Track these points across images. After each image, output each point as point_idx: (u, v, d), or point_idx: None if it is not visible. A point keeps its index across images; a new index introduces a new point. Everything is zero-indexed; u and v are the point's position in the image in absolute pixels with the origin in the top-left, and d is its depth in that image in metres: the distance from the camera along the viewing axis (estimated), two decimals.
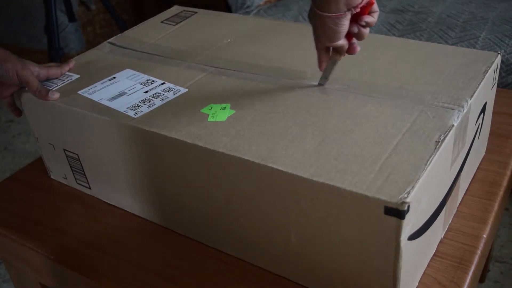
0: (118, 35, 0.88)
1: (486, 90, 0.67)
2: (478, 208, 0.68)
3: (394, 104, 0.61)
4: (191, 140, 0.59)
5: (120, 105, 0.67)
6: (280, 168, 0.53)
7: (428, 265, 0.61)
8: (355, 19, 0.60)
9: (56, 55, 1.60)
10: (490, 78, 0.67)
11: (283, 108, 0.63)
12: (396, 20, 1.42)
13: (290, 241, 0.57)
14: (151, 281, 0.63)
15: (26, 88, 0.73)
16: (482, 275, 1.17)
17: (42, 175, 0.83)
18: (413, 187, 0.48)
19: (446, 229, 0.65)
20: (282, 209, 0.55)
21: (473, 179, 0.73)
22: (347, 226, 0.51)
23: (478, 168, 0.75)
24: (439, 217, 0.59)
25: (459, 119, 0.58)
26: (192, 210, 0.65)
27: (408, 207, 0.47)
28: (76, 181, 0.78)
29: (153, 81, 0.72)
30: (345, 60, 0.72)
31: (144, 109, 0.66)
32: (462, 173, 0.65)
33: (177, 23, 0.90)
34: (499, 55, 0.69)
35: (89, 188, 0.77)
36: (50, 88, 0.72)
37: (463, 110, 0.59)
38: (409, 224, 0.49)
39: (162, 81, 0.72)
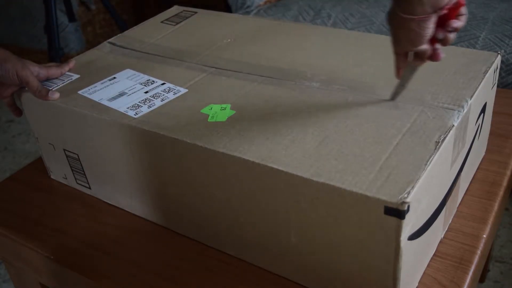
0: (118, 35, 0.88)
1: (486, 90, 0.67)
2: (478, 208, 0.68)
3: (394, 104, 0.61)
4: (191, 140, 0.59)
5: (120, 105, 0.67)
6: (280, 168, 0.53)
7: (428, 265, 0.61)
8: (441, 22, 0.54)
9: (56, 55, 1.60)
10: (490, 78, 0.67)
11: (283, 108, 0.63)
12: None
13: (290, 241, 0.57)
14: (151, 281, 0.63)
15: (26, 88, 0.73)
16: (482, 275, 1.17)
17: (42, 175, 0.83)
18: (413, 187, 0.48)
19: (446, 229, 0.65)
20: (282, 209, 0.55)
21: (473, 179, 0.73)
22: (347, 226, 0.51)
23: (478, 168, 0.75)
24: (439, 217, 0.59)
25: (459, 119, 0.58)
26: (192, 210, 0.65)
27: (408, 207, 0.47)
28: (76, 181, 0.78)
29: (153, 81, 0.72)
30: (344, 60, 0.72)
31: (144, 109, 0.66)
32: (462, 173, 0.65)
33: (177, 23, 0.90)
34: (499, 55, 0.69)
35: (89, 188, 0.77)
36: (50, 88, 0.72)
37: (463, 110, 0.59)
38: (409, 224, 0.49)
39: (162, 82, 0.71)
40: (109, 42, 0.86)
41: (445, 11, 0.53)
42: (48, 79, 0.75)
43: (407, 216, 0.48)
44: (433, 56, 0.58)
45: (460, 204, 0.69)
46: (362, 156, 0.54)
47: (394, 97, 0.62)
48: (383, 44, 0.75)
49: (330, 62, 0.72)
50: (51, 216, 0.75)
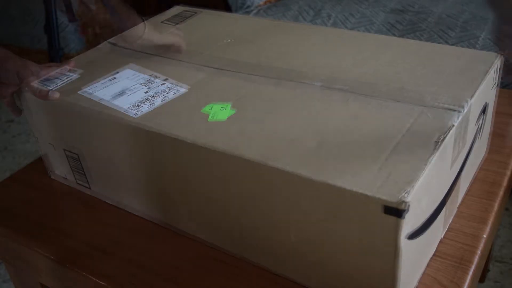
0: (118, 35, 0.88)
1: (486, 91, 0.67)
2: (478, 208, 0.68)
3: (394, 104, 0.61)
4: (191, 140, 0.59)
5: (121, 104, 0.67)
6: (280, 167, 0.53)
7: (428, 265, 0.61)
8: None
9: (56, 55, 1.60)
10: (491, 79, 0.67)
11: (283, 108, 0.63)
12: (396, 20, 1.42)
13: (289, 240, 0.57)
14: (151, 281, 0.63)
15: (26, 88, 0.73)
16: (482, 275, 1.17)
17: (42, 175, 0.83)
18: (412, 187, 0.48)
19: (446, 229, 0.65)
20: (282, 208, 0.55)
21: (473, 179, 0.73)
22: (347, 225, 0.51)
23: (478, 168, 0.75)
24: (439, 217, 0.59)
25: (459, 120, 0.58)
26: (192, 209, 0.65)
27: (408, 206, 0.47)
28: (76, 181, 0.78)
29: (154, 81, 0.72)
30: (345, 60, 0.72)
31: (145, 109, 0.66)
32: (463, 173, 0.65)
33: (177, 23, 0.90)
34: (500, 56, 0.69)
35: (89, 188, 0.77)
36: (50, 88, 0.72)
37: (463, 111, 0.59)
38: (409, 224, 0.49)
39: (163, 80, 0.71)
40: (109, 42, 0.86)
41: None
42: (48, 79, 0.75)
43: (407, 216, 0.48)
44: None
45: (460, 204, 0.69)
46: (362, 155, 0.54)
47: None
48: (383, 44, 0.76)
49: (331, 62, 0.72)
50: (51, 216, 0.75)
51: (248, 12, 1.63)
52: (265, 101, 0.64)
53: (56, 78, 0.76)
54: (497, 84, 0.72)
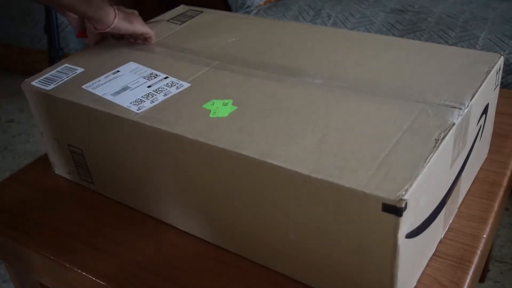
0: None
1: (488, 91, 0.67)
2: (478, 208, 0.68)
3: (395, 102, 0.61)
4: (192, 136, 0.59)
5: (123, 100, 0.67)
6: (280, 165, 0.53)
7: (428, 265, 0.61)
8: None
9: (56, 55, 1.60)
10: (493, 79, 0.67)
11: (285, 104, 0.63)
12: (396, 20, 1.42)
13: (289, 237, 0.57)
14: (151, 281, 0.63)
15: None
16: (482, 275, 1.17)
17: (43, 175, 0.83)
18: (411, 185, 0.48)
19: (446, 229, 0.65)
20: (282, 205, 0.56)
21: (473, 179, 0.73)
22: (346, 223, 0.51)
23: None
24: (438, 217, 0.59)
25: (460, 118, 0.58)
26: (192, 206, 0.65)
27: (406, 204, 0.47)
28: (79, 176, 0.78)
29: (156, 75, 0.72)
30: (347, 59, 0.72)
31: (147, 104, 0.66)
32: (463, 173, 0.65)
33: (182, 22, 0.90)
34: (502, 57, 0.69)
35: (92, 183, 0.77)
36: (51, 86, 0.72)
37: (464, 109, 0.59)
38: (407, 222, 0.49)
39: (165, 75, 0.72)
40: (113, 37, 0.86)
41: None
42: (49, 78, 0.75)
43: (405, 214, 0.48)
44: None
45: (460, 204, 0.69)
46: (362, 153, 0.54)
47: None
48: (385, 44, 0.76)
49: (332, 61, 0.72)
50: (51, 216, 0.75)
51: (248, 12, 1.63)
52: (267, 98, 0.65)
53: (60, 72, 0.76)
54: (498, 85, 0.72)
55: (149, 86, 0.70)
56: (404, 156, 0.52)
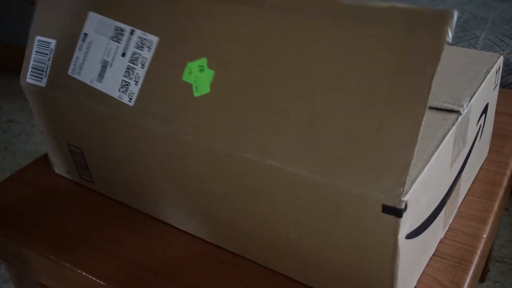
0: None
1: (487, 91, 0.67)
2: (478, 208, 0.68)
3: None
4: (190, 137, 0.58)
5: (110, 86, 0.65)
6: (279, 166, 0.53)
7: (428, 265, 0.61)
8: None
9: None
10: (492, 79, 0.67)
11: (269, 55, 0.56)
12: None
13: (289, 238, 0.57)
14: (151, 281, 0.63)
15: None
16: (482, 275, 1.17)
17: (43, 175, 0.83)
18: (411, 186, 0.48)
19: (446, 229, 0.65)
20: (281, 206, 0.56)
21: (473, 179, 0.73)
22: (346, 224, 0.51)
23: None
24: (438, 217, 0.59)
25: (459, 119, 0.58)
26: (192, 205, 0.65)
27: (406, 205, 0.47)
28: (79, 175, 0.78)
29: (122, 30, 0.65)
30: None
31: (134, 88, 0.63)
32: (463, 173, 0.65)
33: None
34: (501, 56, 0.69)
35: (92, 183, 0.77)
36: (45, 74, 0.71)
37: (464, 110, 0.59)
38: (407, 223, 0.49)
39: (131, 28, 0.65)
40: None
41: None
42: (37, 67, 0.73)
43: (405, 215, 0.48)
44: None
45: (460, 204, 0.69)
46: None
47: None
48: None
49: None
50: (51, 216, 0.75)
51: None
52: (244, 45, 0.57)
53: (40, 54, 0.73)
54: (498, 84, 0.72)
55: (123, 55, 0.64)
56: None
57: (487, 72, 0.66)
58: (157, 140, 0.62)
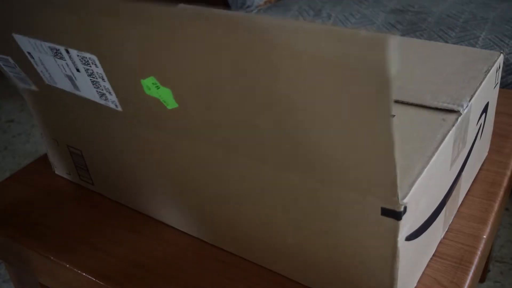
0: None
1: (488, 90, 0.67)
2: (478, 209, 0.68)
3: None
4: (187, 141, 0.58)
5: (91, 95, 0.61)
6: (277, 169, 0.53)
7: (428, 266, 0.61)
8: None
9: None
10: (492, 78, 0.67)
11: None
12: (396, 20, 1.42)
13: (288, 239, 0.57)
14: (151, 281, 0.63)
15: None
16: (482, 275, 1.17)
17: (43, 175, 0.83)
18: (410, 188, 0.48)
19: (446, 230, 0.65)
20: (280, 208, 0.55)
21: (473, 179, 0.73)
22: (345, 226, 0.51)
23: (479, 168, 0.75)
24: (438, 218, 0.59)
25: (459, 119, 0.58)
26: (190, 206, 0.65)
27: (405, 208, 0.47)
28: (79, 177, 0.78)
29: (57, 49, 0.59)
30: None
31: (112, 97, 0.59)
32: (463, 173, 0.65)
33: None
34: (501, 55, 0.69)
35: (92, 184, 0.77)
36: (31, 86, 0.68)
37: (463, 110, 0.59)
38: (407, 225, 0.49)
39: (64, 48, 0.58)
40: None
41: None
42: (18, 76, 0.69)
43: (404, 217, 0.48)
44: None
45: (460, 204, 0.69)
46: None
47: None
48: None
49: None
50: (51, 216, 0.75)
51: (248, 12, 1.63)
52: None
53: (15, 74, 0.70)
54: (498, 83, 0.72)
55: (78, 70, 0.59)
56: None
57: (487, 71, 0.65)
58: (153, 144, 0.62)
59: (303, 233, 0.55)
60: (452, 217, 0.66)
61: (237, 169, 0.57)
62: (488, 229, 0.65)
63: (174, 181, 0.64)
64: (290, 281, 0.61)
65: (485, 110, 0.68)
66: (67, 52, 0.58)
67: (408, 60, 0.70)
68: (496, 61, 0.67)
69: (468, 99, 0.60)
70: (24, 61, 0.66)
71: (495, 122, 0.78)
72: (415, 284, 0.58)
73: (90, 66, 0.58)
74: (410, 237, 0.51)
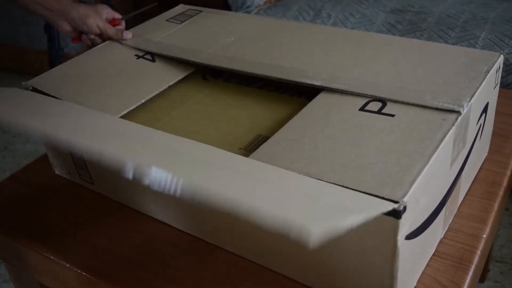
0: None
1: (487, 90, 0.67)
2: (478, 208, 0.68)
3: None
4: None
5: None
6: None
7: (428, 265, 0.61)
8: None
9: (56, 55, 1.60)
10: (492, 78, 0.67)
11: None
12: (396, 20, 1.42)
13: (289, 239, 0.57)
14: (151, 281, 0.63)
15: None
16: (482, 275, 1.17)
17: (43, 175, 0.83)
18: (410, 187, 0.48)
19: (446, 229, 0.65)
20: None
21: (473, 179, 0.73)
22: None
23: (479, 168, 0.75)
24: (438, 217, 0.59)
25: (459, 119, 0.58)
26: (191, 207, 0.65)
27: (405, 207, 0.47)
28: (79, 176, 0.78)
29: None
30: (346, 60, 0.72)
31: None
32: (463, 173, 0.65)
33: (182, 22, 0.90)
34: (501, 55, 0.69)
35: (92, 183, 0.77)
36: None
37: (463, 110, 0.59)
38: (406, 224, 0.49)
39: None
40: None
41: None
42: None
43: (404, 216, 0.48)
44: None
45: (460, 204, 0.69)
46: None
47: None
48: (384, 43, 0.76)
49: (332, 61, 0.72)
50: (51, 216, 0.75)
51: (248, 12, 1.63)
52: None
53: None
54: (498, 83, 0.72)
55: None
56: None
57: (487, 71, 0.65)
58: (151, 145, 0.62)
59: None
60: (452, 217, 0.66)
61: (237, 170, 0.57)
62: (488, 229, 0.65)
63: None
64: (290, 281, 0.61)
65: (485, 110, 0.68)
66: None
67: (409, 60, 0.70)
68: (496, 61, 0.68)
69: (468, 99, 0.60)
70: None
71: (495, 122, 0.78)
72: (415, 283, 0.58)
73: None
74: (410, 236, 0.51)
